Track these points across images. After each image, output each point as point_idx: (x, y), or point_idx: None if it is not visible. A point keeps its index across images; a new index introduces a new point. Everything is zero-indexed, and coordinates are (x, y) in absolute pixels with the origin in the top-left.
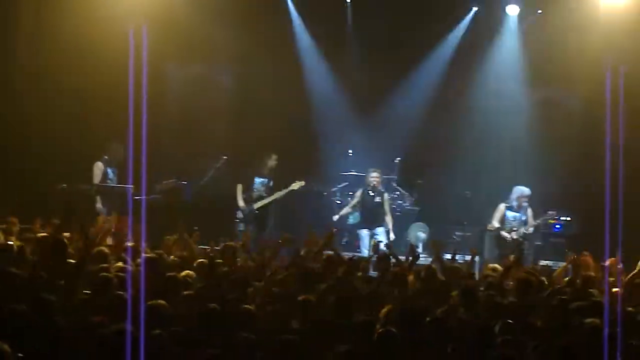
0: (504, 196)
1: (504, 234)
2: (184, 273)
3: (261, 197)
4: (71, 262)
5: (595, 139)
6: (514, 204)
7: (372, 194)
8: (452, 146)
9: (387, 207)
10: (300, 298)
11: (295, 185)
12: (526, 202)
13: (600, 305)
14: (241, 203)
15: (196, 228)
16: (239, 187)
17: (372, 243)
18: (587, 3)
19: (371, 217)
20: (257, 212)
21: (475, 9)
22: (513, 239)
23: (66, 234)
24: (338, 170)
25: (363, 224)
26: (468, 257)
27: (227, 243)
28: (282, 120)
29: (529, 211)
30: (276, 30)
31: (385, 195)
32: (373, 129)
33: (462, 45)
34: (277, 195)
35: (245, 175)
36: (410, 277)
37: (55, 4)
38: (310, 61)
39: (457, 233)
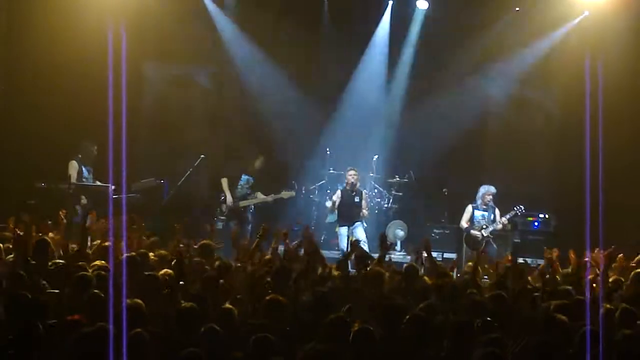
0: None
1: (475, 232)
2: (162, 272)
3: (245, 195)
4: (57, 262)
5: (573, 137)
6: (479, 202)
7: (352, 192)
8: (429, 143)
9: (364, 203)
10: (272, 297)
11: (285, 195)
12: (491, 199)
13: (580, 303)
14: (229, 198)
15: (176, 225)
16: (224, 181)
17: (351, 240)
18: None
19: (350, 215)
20: (241, 209)
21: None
22: (483, 236)
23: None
24: (316, 169)
25: (342, 222)
26: (447, 255)
27: (204, 241)
28: (258, 119)
29: (496, 210)
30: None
31: (364, 192)
32: (350, 126)
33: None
34: (266, 198)
35: (232, 170)
36: (386, 275)
37: (33, 3)
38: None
39: (435, 230)
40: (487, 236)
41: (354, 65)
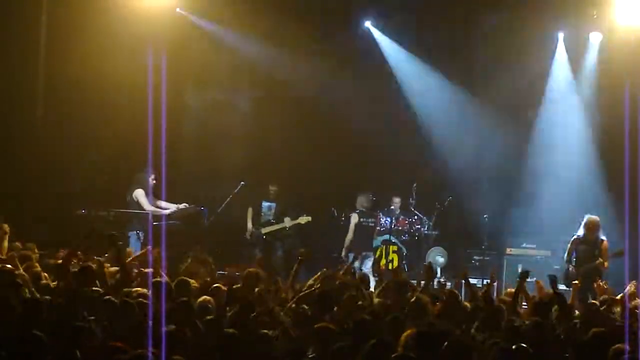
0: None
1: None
2: (202, 298)
3: (269, 222)
4: (98, 290)
5: None
6: (581, 233)
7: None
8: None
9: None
10: (317, 326)
11: (303, 220)
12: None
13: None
14: (249, 225)
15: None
16: (250, 211)
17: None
18: None
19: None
20: (264, 237)
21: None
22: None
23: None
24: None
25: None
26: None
27: (250, 269)
28: (300, 144)
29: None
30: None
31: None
32: (391, 152)
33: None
34: (285, 224)
35: (254, 199)
36: (427, 302)
37: (73, 30)
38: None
39: (475, 257)
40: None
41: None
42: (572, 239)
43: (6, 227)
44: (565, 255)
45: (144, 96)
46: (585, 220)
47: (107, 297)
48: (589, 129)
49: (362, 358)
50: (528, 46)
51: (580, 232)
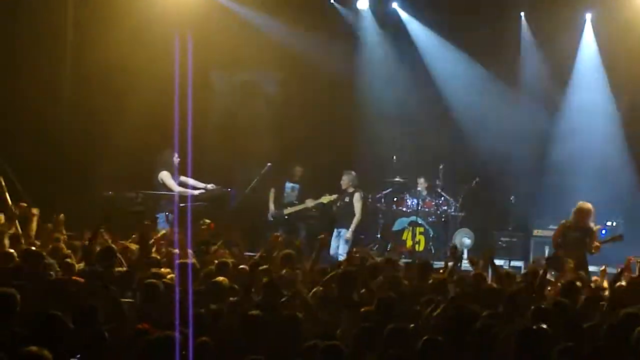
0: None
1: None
2: (227, 280)
3: (292, 203)
4: (121, 270)
5: None
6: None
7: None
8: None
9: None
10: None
11: (325, 199)
12: None
13: None
14: (271, 206)
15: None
16: (272, 192)
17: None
18: None
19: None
20: (286, 217)
21: None
22: None
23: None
24: (382, 177)
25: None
26: (514, 263)
27: (286, 250)
28: (325, 126)
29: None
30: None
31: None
32: (416, 134)
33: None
34: (307, 204)
35: (277, 181)
36: (450, 285)
37: (100, 15)
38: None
39: (502, 239)
40: None
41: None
42: (560, 223)
43: (35, 210)
44: (552, 239)
45: (170, 78)
46: (577, 206)
47: (131, 277)
48: (616, 113)
49: (386, 338)
50: (556, 28)
51: (571, 218)
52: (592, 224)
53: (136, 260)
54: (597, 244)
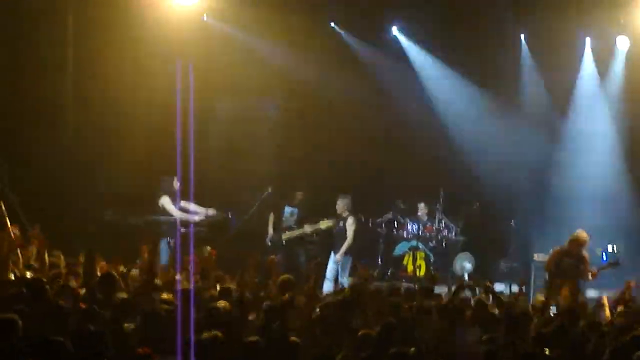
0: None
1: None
2: (227, 305)
3: (290, 227)
4: (122, 296)
5: None
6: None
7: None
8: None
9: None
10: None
11: (323, 224)
12: None
13: None
14: (270, 231)
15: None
16: (271, 216)
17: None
18: None
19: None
20: (284, 243)
21: None
22: None
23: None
24: (383, 201)
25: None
26: (515, 288)
27: (285, 276)
28: (325, 152)
29: None
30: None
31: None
32: (417, 159)
33: None
34: (305, 229)
35: (277, 205)
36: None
37: (101, 39)
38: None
39: (503, 263)
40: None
41: None
42: (554, 250)
43: (35, 232)
44: (546, 265)
45: (172, 104)
46: (575, 235)
47: (132, 303)
48: (617, 135)
49: None
50: (556, 51)
51: (566, 244)
52: (585, 253)
53: (139, 287)
54: (594, 271)
